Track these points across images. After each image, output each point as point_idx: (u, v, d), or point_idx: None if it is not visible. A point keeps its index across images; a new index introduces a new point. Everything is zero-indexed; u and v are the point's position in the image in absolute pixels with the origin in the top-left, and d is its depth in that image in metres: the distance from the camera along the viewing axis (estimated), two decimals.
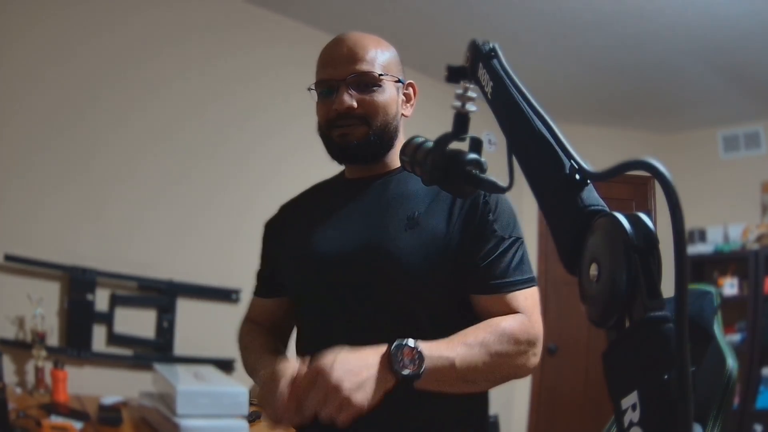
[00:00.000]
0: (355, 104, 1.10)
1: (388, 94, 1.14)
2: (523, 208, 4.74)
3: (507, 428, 4.07)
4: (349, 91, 1.10)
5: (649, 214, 0.55)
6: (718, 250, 3.94)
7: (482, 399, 1.14)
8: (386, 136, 1.13)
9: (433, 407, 1.03)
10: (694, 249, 3.98)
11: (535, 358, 1.03)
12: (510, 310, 1.03)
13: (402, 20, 3.00)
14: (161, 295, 2.47)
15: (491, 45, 0.85)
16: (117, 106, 2.46)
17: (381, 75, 1.12)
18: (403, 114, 1.18)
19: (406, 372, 0.89)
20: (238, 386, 1.94)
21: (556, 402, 4.13)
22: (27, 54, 2.25)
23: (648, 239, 0.53)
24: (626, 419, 0.51)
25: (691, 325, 0.48)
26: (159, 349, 2.44)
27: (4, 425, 1.56)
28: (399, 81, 1.17)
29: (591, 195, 0.65)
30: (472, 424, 1.12)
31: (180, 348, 2.49)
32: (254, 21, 2.90)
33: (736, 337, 3.64)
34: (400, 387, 0.90)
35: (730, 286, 3.79)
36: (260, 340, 1.20)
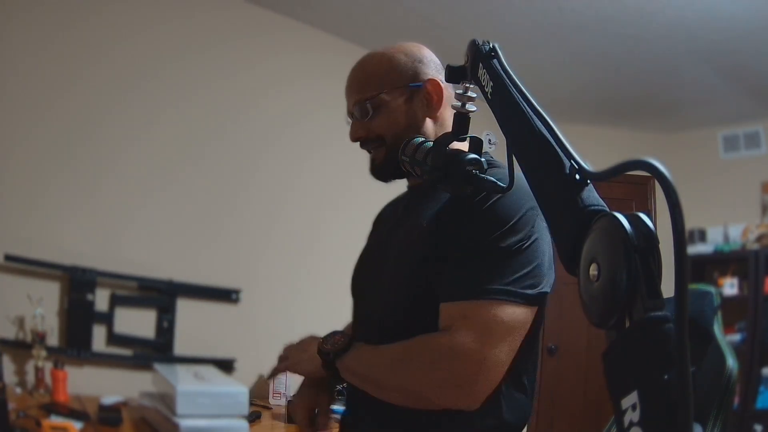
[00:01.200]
0: (362, 133, 1.13)
1: (392, 109, 1.11)
2: None
3: None
4: (356, 123, 1.14)
5: (649, 214, 0.55)
6: (718, 250, 3.94)
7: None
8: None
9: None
10: (694, 249, 3.98)
11: (459, 390, 0.89)
12: (442, 322, 0.94)
13: (402, 20, 3.00)
14: (161, 295, 2.47)
15: (491, 45, 0.85)
16: (123, 112, 2.46)
17: (373, 97, 1.11)
18: (428, 116, 1.12)
19: (324, 348, 1.04)
20: (238, 386, 1.94)
21: (556, 402, 4.13)
22: (29, 57, 2.25)
23: (648, 239, 0.53)
24: (626, 419, 0.51)
25: (691, 325, 0.48)
26: (159, 349, 2.44)
27: (4, 425, 1.55)
28: (408, 86, 1.11)
29: (591, 195, 0.65)
30: None
31: (180, 348, 2.49)
32: (254, 21, 2.90)
33: (736, 337, 3.64)
34: (327, 368, 1.04)
35: (730, 286, 3.79)
36: None
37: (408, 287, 1.03)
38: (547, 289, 0.96)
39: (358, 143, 1.16)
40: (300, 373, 1.12)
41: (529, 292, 0.93)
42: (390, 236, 1.14)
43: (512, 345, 0.91)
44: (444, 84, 1.11)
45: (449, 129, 1.02)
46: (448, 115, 1.11)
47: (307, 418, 1.11)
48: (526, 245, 0.94)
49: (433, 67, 1.14)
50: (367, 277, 1.18)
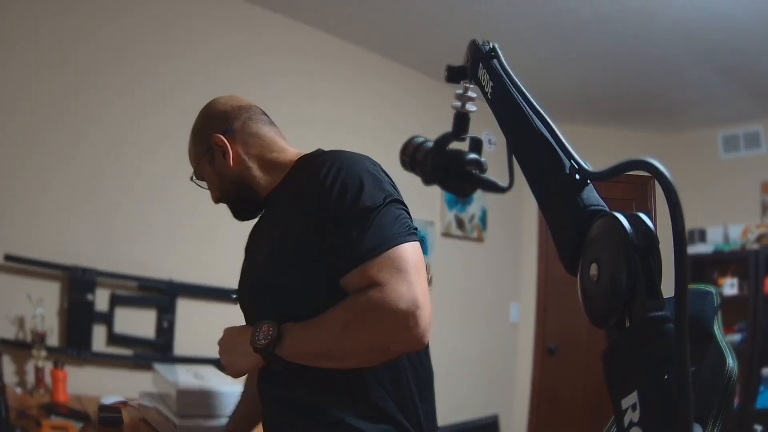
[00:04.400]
0: (213, 197, 1.30)
1: (208, 176, 1.27)
2: (523, 208, 4.75)
3: (507, 428, 4.07)
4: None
5: (649, 214, 0.55)
6: (718, 250, 3.94)
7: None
8: (234, 194, 1.24)
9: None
10: (694, 249, 3.98)
11: (408, 330, 0.93)
12: (365, 283, 0.96)
13: (402, 20, 3.00)
14: (161, 295, 2.47)
15: (491, 45, 0.85)
16: (117, 108, 2.46)
17: (194, 173, 1.29)
18: (235, 166, 1.21)
19: (259, 345, 1.01)
20: (238, 386, 1.94)
21: (556, 402, 4.13)
22: (27, 55, 2.25)
23: (648, 239, 0.53)
24: (626, 419, 0.51)
25: (691, 325, 0.48)
26: (159, 349, 2.44)
27: (4, 425, 1.56)
28: (204, 154, 1.24)
29: (591, 195, 0.65)
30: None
31: (180, 348, 2.49)
32: (252, 20, 2.90)
33: (736, 337, 3.64)
34: (269, 360, 1.02)
35: (730, 286, 3.79)
36: None
37: (297, 287, 1.06)
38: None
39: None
40: (241, 373, 1.12)
41: (412, 226, 1.02)
42: (257, 245, 1.24)
43: (423, 273, 0.98)
44: (227, 134, 1.22)
45: (261, 154, 1.22)
46: (253, 148, 1.23)
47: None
48: (390, 199, 1.02)
49: (215, 122, 1.25)
50: (244, 294, 1.23)
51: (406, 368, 1.08)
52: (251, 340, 1.02)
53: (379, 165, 1.09)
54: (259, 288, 1.13)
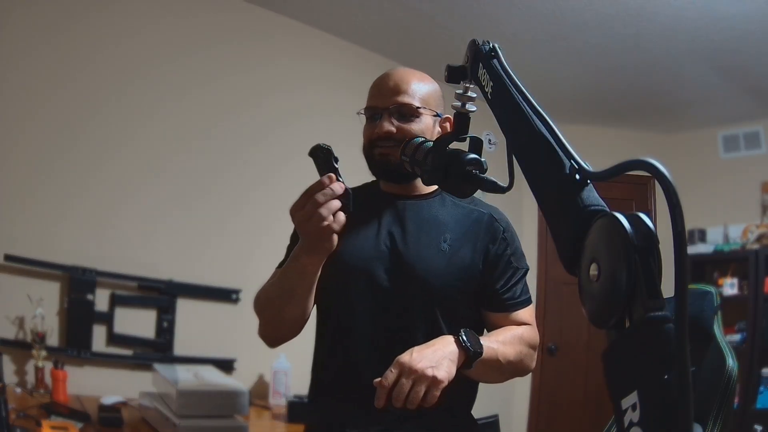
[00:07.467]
0: (393, 130, 1.24)
1: (424, 125, 1.26)
2: (523, 208, 4.73)
3: (507, 428, 4.07)
4: (390, 119, 1.25)
5: (649, 214, 0.55)
6: (718, 250, 3.93)
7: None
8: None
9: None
10: (694, 249, 3.98)
11: (535, 360, 1.28)
12: (517, 323, 1.26)
13: (402, 20, 3.00)
14: (161, 295, 2.46)
15: (491, 45, 0.85)
16: (122, 111, 2.45)
17: (419, 108, 1.25)
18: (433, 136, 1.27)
19: (475, 350, 1.10)
20: (238, 386, 1.94)
21: (556, 402, 4.13)
22: (27, 56, 2.25)
23: (648, 239, 0.53)
24: (626, 419, 0.51)
25: (691, 325, 0.48)
26: (159, 349, 2.44)
27: (4, 425, 1.55)
28: (437, 115, 1.29)
29: (591, 195, 0.65)
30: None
31: (180, 348, 2.49)
32: (253, 20, 2.90)
33: (736, 337, 3.64)
34: (469, 365, 1.11)
35: (730, 286, 3.79)
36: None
37: (453, 300, 1.24)
38: None
39: (370, 139, 1.27)
40: (444, 377, 1.06)
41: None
42: (391, 250, 1.25)
43: None
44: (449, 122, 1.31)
45: None
46: None
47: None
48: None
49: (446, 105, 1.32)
50: (388, 289, 1.23)
51: None
52: (462, 345, 1.10)
53: None
54: (425, 279, 1.21)
